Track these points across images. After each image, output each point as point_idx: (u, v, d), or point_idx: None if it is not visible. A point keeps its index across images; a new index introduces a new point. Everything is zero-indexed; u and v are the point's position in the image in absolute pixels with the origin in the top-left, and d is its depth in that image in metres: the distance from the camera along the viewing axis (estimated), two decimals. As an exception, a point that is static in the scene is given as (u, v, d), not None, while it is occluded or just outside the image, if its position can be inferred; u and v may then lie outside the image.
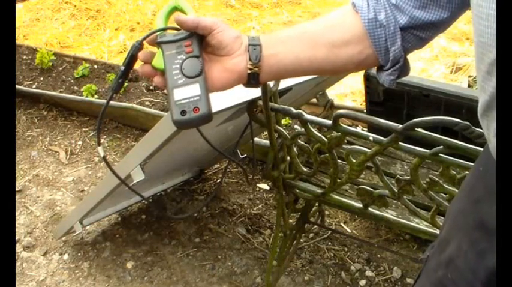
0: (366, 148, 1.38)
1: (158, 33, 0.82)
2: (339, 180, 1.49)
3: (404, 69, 0.84)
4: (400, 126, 1.22)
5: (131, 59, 0.84)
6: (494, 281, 0.73)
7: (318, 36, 0.83)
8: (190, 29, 0.81)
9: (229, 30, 0.81)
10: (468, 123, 1.12)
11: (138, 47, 0.83)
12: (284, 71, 0.84)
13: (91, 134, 2.79)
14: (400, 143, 1.27)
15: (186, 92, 0.78)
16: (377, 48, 0.81)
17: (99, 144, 0.95)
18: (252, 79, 0.82)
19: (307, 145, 1.50)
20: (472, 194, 0.80)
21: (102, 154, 0.95)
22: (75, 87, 2.98)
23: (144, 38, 0.83)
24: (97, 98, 2.84)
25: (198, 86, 0.78)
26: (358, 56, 0.83)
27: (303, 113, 1.38)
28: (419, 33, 0.81)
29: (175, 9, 0.86)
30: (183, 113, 0.77)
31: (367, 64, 0.85)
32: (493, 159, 0.70)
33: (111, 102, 2.98)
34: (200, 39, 0.81)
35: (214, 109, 1.37)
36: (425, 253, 0.94)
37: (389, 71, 0.84)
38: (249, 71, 0.81)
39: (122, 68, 0.85)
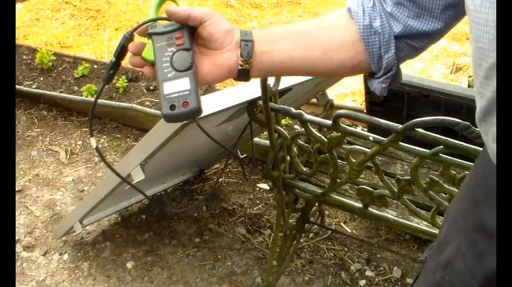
0: (366, 148, 1.38)
1: (149, 24, 0.81)
2: (339, 180, 1.49)
3: (396, 77, 0.84)
4: (400, 126, 1.22)
5: (122, 50, 0.83)
6: (492, 283, 0.73)
7: (312, 37, 0.83)
8: (182, 21, 0.79)
9: (221, 23, 0.80)
10: (468, 123, 1.12)
11: (129, 38, 0.82)
12: (275, 68, 0.84)
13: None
14: (400, 143, 1.27)
15: (175, 86, 0.77)
16: (370, 54, 0.81)
17: (92, 135, 0.94)
18: (242, 74, 0.81)
19: (307, 145, 1.50)
20: (470, 196, 0.79)
21: (94, 145, 0.94)
22: (75, 87, 2.98)
23: (135, 29, 0.82)
24: (97, 98, 2.84)
25: (187, 80, 0.77)
26: (351, 61, 0.83)
27: (303, 113, 1.38)
28: (412, 43, 0.81)
29: None
30: (173, 107, 0.77)
31: (359, 70, 0.85)
32: (492, 161, 0.70)
33: (111, 102, 2.96)
34: (191, 31, 0.80)
35: (214, 109, 1.38)
36: (424, 254, 0.94)
37: (381, 78, 0.83)
38: (239, 67, 0.80)
39: (113, 59, 0.84)
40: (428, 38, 0.80)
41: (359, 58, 0.82)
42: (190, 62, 0.78)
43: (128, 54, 0.84)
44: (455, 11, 0.77)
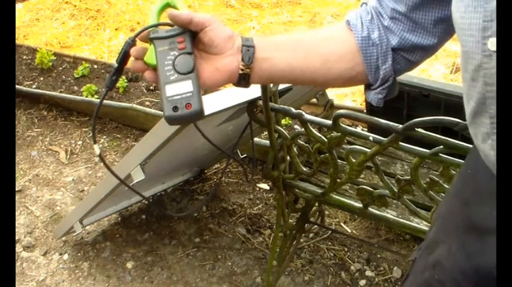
0: (366, 148, 1.38)
1: (150, 29, 0.82)
2: (339, 180, 1.49)
3: (393, 89, 0.86)
4: (400, 126, 1.22)
5: (124, 55, 0.84)
6: (483, 282, 0.73)
7: (312, 47, 0.84)
8: (184, 25, 0.80)
9: (222, 29, 0.81)
10: (468, 123, 1.12)
11: (131, 43, 0.83)
12: (275, 76, 0.85)
13: (91, 134, 2.79)
14: (400, 143, 1.27)
15: (178, 88, 0.78)
16: (368, 65, 0.83)
17: (94, 142, 0.94)
18: (242, 79, 0.82)
19: (307, 145, 1.50)
20: (460, 195, 0.81)
21: (98, 152, 0.95)
22: (75, 87, 2.98)
23: (137, 35, 0.83)
24: (97, 98, 2.84)
25: (190, 83, 0.78)
26: (349, 72, 0.84)
27: (303, 113, 1.38)
28: (408, 56, 0.83)
29: (168, 5, 0.85)
30: (175, 109, 0.77)
31: (357, 81, 0.87)
32: (482, 162, 0.71)
33: (111, 102, 2.97)
34: (193, 36, 0.81)
35: (214, 109, 1.38)
36: (413, 254, 0.95)
37: (378, 89, 0.85)
38: (240, 72, 0.81)
39: (116, 65, 0.84)
40: (424, 51, 0.83)
41: (357, 69, 0.84)
42: (192, 65, 0.79)
43: (131, 59, 0.84)
44: (446, 25, 0.79)
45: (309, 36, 0.87)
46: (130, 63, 0.83)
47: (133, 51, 0.82)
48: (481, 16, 0.61)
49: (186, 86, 0.78)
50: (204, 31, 0.80)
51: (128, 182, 1.64)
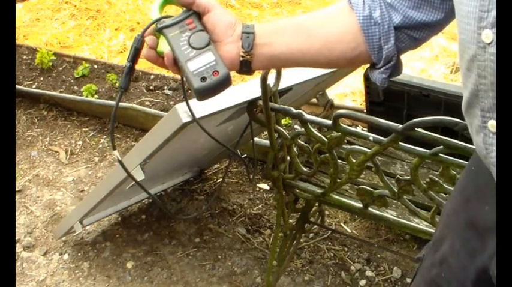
0: (366, 148, 1.38)
1: (156, 23, 0.84)
2: (339, 180, 1.49)
3: (397, 68, 0.85)
4: (400, 126, 1.22)
5: (135, 52, 0.85)
6: (484, 280, 0.73)
7: (312, 29, 0.84)
8: (188, 5, 0.82)
9: (224, 16, 0.82)
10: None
11: (141, 39, 0.84)
12: (276, 60, 0.85)
13: (91, 134, 2.79)
14: (400, 143, 1.27)
15: (200, 62, 0.79)
16: (370, 45, 0.82)
17: (114, 148, 0.94)
18: (244, 66, 0.83)
19: (307, 145, 1.50)
20: (463, 193, 0.81)
21: (119, 157, 0.95)
22: (75, 87, 2.98)
23: (145, 30, 0.84)
24: (97, 98, 2.84)
25: (211, 53, 0.80)
26: (351, 53, 0.83)
27: (303, 113, 1.38)
28: (413, 34, 0.81)
29: (168, 2, 0.87)
30: (203, 79, 0.78)
31: (360, 61, 0.86)
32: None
33: (111, 102, 2.96)
34: (199, 18, 0.83)
35: (214, 109, 1.38)
36: (422, 252, 0.95)
37: (382, 69, 0.84)
38: (241, 59, 0.82)
39: (128, 64, 0.85)
40: (429, 29, 0.81)
41: (359, 49, 0.83)
42: (208, 39, 0.80)
43: (142, 52, 0.85)
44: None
45: (309, 18, 0.86)
46: (145, 53, 0.84)
47: (149, 39, 0.83)
48: (478, 5, 0.60)
49: (207, 58, 0.79)
50: (206, 16, 0.82)
51: (128, 182, 1.64)
